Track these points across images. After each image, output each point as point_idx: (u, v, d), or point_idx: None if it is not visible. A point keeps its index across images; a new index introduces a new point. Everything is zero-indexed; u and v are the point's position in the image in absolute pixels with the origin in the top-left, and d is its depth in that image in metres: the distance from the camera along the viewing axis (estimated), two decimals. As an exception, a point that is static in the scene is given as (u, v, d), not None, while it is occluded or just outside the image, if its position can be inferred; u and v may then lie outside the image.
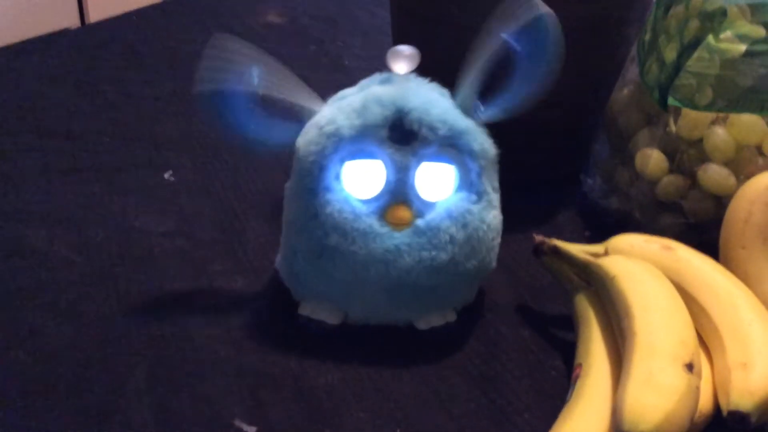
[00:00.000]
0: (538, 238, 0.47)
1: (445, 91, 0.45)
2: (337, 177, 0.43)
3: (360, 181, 0.43)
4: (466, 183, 0.44)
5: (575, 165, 0.62)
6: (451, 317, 0.46)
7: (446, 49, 0.59)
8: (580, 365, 0.41)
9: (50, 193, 0.61)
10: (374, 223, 0.43)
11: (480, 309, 0.49)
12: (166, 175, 0.64)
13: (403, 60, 0.44)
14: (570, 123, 0.61)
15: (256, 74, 0.43)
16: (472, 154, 0.43)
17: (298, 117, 0.45)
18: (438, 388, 0.43)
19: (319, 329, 0.45)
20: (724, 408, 0.37)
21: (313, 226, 0.43)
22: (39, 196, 0.60)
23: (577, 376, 0.40)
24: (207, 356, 0.45)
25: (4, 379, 0.43)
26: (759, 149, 0.50)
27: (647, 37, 0.53)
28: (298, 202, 0.44)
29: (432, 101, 0.43)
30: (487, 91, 0.45)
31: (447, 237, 0.43)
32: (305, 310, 0.46)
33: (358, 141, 0.43)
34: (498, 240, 0.46)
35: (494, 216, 0.45)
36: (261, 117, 0.45)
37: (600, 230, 0.55)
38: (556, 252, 0.46)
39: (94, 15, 1.93)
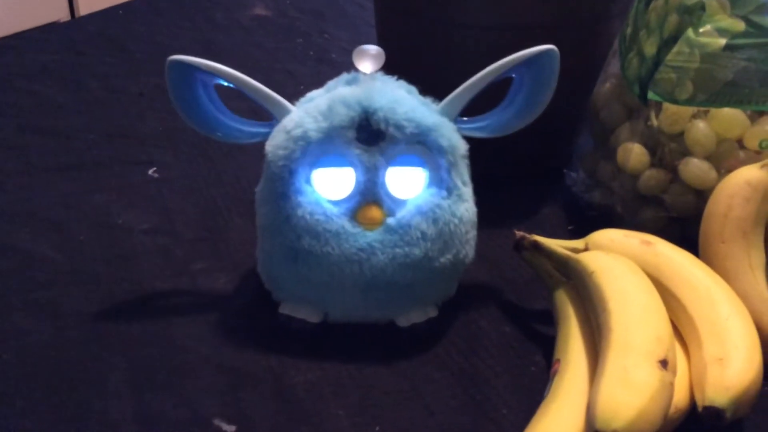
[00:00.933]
0: (519, 233, 0.47)
1: (413, 89, 0.45)
2: (308, 180, 0.43)
3: (330, 183, 0.43)
4: (436, 179, 0.44)
5: (558, 159, 0.62)
6: (433, 313, 0.47)
7: (428, 44, 0.59)
8: (559, 361, 0.41)
9: (32, 191, 0.60)
10: (346, 224, 0.43)
11: (462, 304, 0.49)
12: (150, 172, 0.64)
13: (368, 59, 0.44)
14: (553, 117, 0.61)
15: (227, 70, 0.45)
16: (440, 150, 0.43)
17: (267, 113, 0.45)
18: (418, 385, 0.43)
19: (300, 328, 0.45)
20: (700, 403, 0.37)
21: (286, 229, 0.43)
22: (21, 194, 0.60)
23: (556, 372, 0.40)
24: (187, 355, 0.45)
25: (-15, 380, 0.43)
26: (740, 143, 0.50)
27: (628, 31, 0.53)
28: (270, 206, 0.44)
29: (398, 100, 0.43)
30: (470, 107, 0.46)
31: (418, 233, 0.43)
32: (285, 309, 0.46)
33: (325, 143, 0.43)
34: (473, 233, 0.46)
35: (466, 209, 0.45)
36: (223, 108, 0.47)
37: (583, 224, 0.55)
38: (537, 247, 0.46)
39: (84, 7, 1.92)
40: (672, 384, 0.35)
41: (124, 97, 0.77)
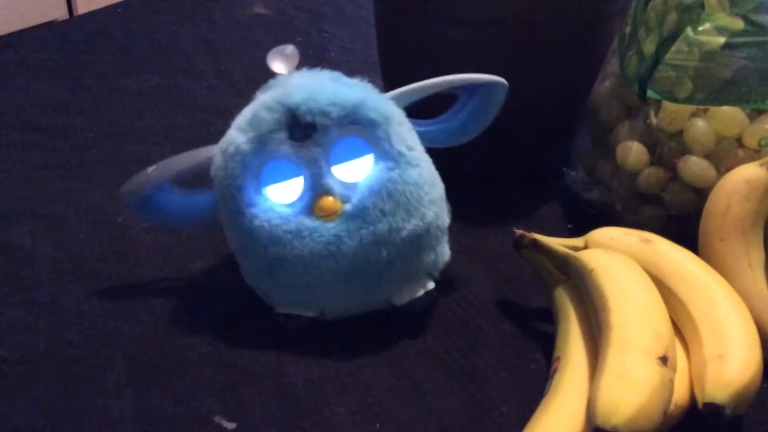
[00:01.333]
0: (518, 232, 0.47)
1: (337, 74, 0.45)
2: (257, 191, 0.44)
3: (278, 188, 0.44)
4: (381, 152, 0.44)
5: (557, 158, 0.62)
6: (430, 286, 0.46)
7: (427, 41, 0.59)
8: (559, 358, 0.41)
9: (32, 189, 0.60)
10: (305, 221, 0.43)
11: (461, 302, 0.49)
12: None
13: (281, 60, 0.44)
14: (553, 116, 0.61)
15: (153, 169, 0.47)
16: (373, 123, 0.43)
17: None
18: (417, 382, 0.43)
19: (298, 324, 0.45)
20: (700, 400, 0.37)
21: (252, 244, 0.44)
22: (20, 192, 0.60)
23: (556, 370, 0.40)
24: (188, 352, 0.45)
25: (-16, 377, 0.43)
26: (739, 141, 0.50)
27: (627, 29, 0.53)
28: (231, 227, 0.45)
29: (317, 89, 0.43)
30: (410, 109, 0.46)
31: (377, 212, 0.43)
32: (281, 307, 0.46)
33: (260, 152, 0.43)
34: (436, 193, 0.45)
35: (419, 173, 0.44)
36: (185, 198, 0.48)
37: (582, 222, 0.55)
38: (536, 246, 0.46)
39: (82, 6, 1.92)
40: (672, 381, 0.35)
41: (123, 96, 0.77)
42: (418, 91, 0.46)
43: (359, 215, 0.43)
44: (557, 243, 0.46)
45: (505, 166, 0.61)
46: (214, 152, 0.45)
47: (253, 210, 0.43)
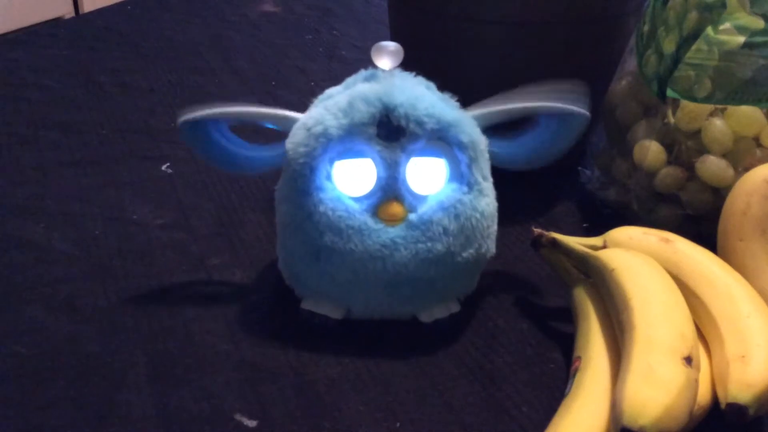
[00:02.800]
0: (537, 231, 0.47)
1: (432, 85, 0.46)
2: (328, 176, 0.43)
3: (351, 179, 0.43)
4: (457, 175, 0.44)
5: (572, 156, 0.62)
6: (455, 308, 0.47)
7: (443, 40, 0.59)
8: (579, 358, 0.41)
9: (47, 187, 0.60)
10: (368, 220, 0.43)
11: (479, 301, 0.49)
12: (164, 167, 0.64)
13: (387, 56, 0.44)
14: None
15: (229, 106, 0.46)
16: (460, 146, 0.43)
17: (280, 133, 0.46)
18: (437, 382, 0.43)
19: (322, 324, 0.45)
20: (723, 400, 0.37)
21: (307, 227, 0.43)
22: (36, 190, 0.60)
23: (576, 369, 0.40)
24: (207, 350, 0.45)
25: (3, 374, 0.43)
26: (757, 141, 0.50)
27: (646, 28, 0.53)
28: (291, 203, 0.44)
29: (418, 96, 0.43)
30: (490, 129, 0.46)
31: (440, 229, 0.43)
32: (308, 304, 0.46)
33: (346, 140, 0.43)
34: (494, 227, 0.46)
35: (487, 203, 0.45)
36: (243, 143, 0.47)
37: (598, 222, 0.55)
38: (555, 245, 0.46)
39: (88, 3, 1.92)
40: (696, 381, 0.35)
41: (135, 93, 0.77)
42: (501, 115, 0.46)
43: (420, 228, 0.43)
44: (576, 242, 0.46)
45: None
46: (286, 115, 0.45)
47: (321, 195, 0.43)
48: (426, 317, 0.46)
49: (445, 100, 0.45)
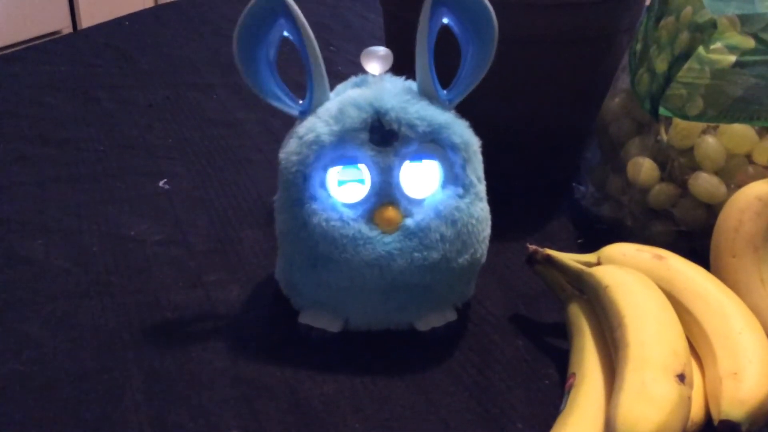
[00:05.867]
0: (532, 247, 0.47)
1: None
2: (322, 184, 0.43)
3: (345, 186, 0.44)
4: (451, 177, 0.44)
5: (566, 172, 0.63)
6: (452, 316, 0.47)
7: (436, 58, 0.60)
8: (574, 375, 0.41)
9: (45, 202, 0.61)
10: (363, 228, 0.43)
11: (474, 317, 0.49)
12: (161, 183, 0.64)
13: (376, 60, 0.44)
14: (562, 131, 0.62)
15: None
16: (454, 147, 0.44)
17: (304, 90, 0.44)
18: (434, 398, 0.43)
19: (320, 337, 0.46)
20: (716, 417, 0.37)
21: (303, 236, 0.43)
22: (33, 205, 0.60)
23: (571, 386, 0.40)
24: (203, 367, 0.45)
25: (1, 391, 0.43)
26: (749, 158, 0.50)
27: (638, 47, 0.54)
28: (287, 213, 0.44)
29: (409, 99, 0.43)
30: (444, 77, 0.45)
31: (437, 236, 0.43)
32: (306, 318, 0.46)
33: (338, 147, 0.43)
34: (487, 231, 0.46)
35: (482, 209, 0.45)
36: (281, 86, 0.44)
37: (592, 237, 0.56)
38: (550, 261, 0.47)
39: (86, 18, 1.93)
40: (689, 398, 0.36)
41: (133, 109, 0.77)
42: (422, 56, 0.43)
43: (418, 235, 0.43)
44: (570, 258, 0.47)
45: (514, 180, 0.62)
46: (326, 90, 0.44)
47: (315, 204, 0.43)
48: (423, 326, 0.46)
49: (435, 103, 0.45)
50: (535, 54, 0.57)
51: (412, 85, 0.45)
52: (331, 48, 0.94)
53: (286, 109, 0.45)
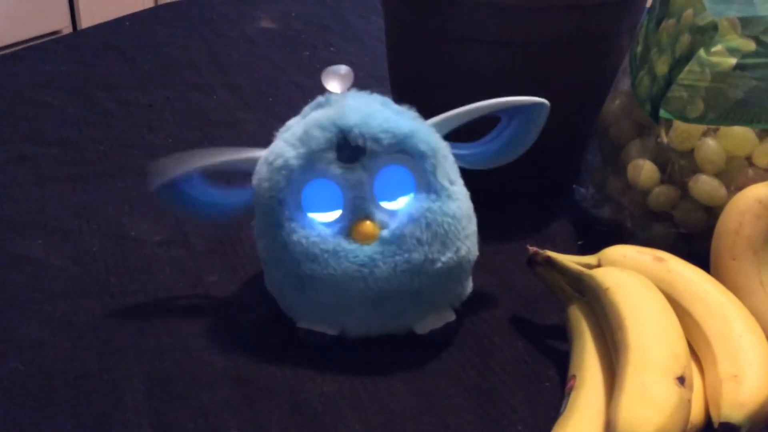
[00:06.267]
0: (532, 248, 0.47)
1: (387, 100, 0.46)
2: (298, 206, 0.44)
3: (319, 206, 0.44)
4: (423, 184, 0.44)
5: (566, 174, 0.63)
6: (450, 317, 0.47)
7: (438, 60, 0.60)
8: (574, 377, 0.41)
9: (44, 202, 0.61)
10: (342, 242, 0.43)
11: (474, 318, 0.49)
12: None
13: (336, 79, 0.45)
14: (562, 132, 0.61)
15: (195, 158, 0.46)
16: (421, 155, 0.44)
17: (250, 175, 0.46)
18: (434, 400, 0.43)
19: (319, 341, 0.46)
20: (716, 420, 0.37)
21: (286, 258, 0.44)
22: (33, 205, 0.60)
23: (571, 388, 0.40)
24: (203, 367, 0.45)
25: (1, 391, 0.43)
26: (749, 160, 0.50)
27: (639, 49, 0.54)
28: (267, 238, 0.45)
29: (371, 114, 0.43)
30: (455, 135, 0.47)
31: (414, 240, 0.43)
32: (303, 322, 0.46)
33: (308, 169, 0.43)
34: (471, 228, 0.46)
35: (458, 206, 0.45)
36: (217, 191, 0.48)
37: (593, 239, 0.56)
38: (550, 263, 0.47)
39: (86, 18, 1.93)
40: (689, 401, 0.36)
41: (133, 109, 0.77)
42: (460, 118, 0.46)
43: (395, 242, 0.43)
44: (571, 260, 0.47)
45: (514, 182, 0.62)
46: (251, 156, 0.45)
47: (293, 224, 0.43)
48: (421, 329, 0.46)
49: (400, 113, 0.45)
50: (535, 56, 0.57)
51: (377, 98, 0.46)
52: (332, 49, 0.94)
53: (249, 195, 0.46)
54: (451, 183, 0.45)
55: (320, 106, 0.45)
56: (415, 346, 0.47)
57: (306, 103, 0.82)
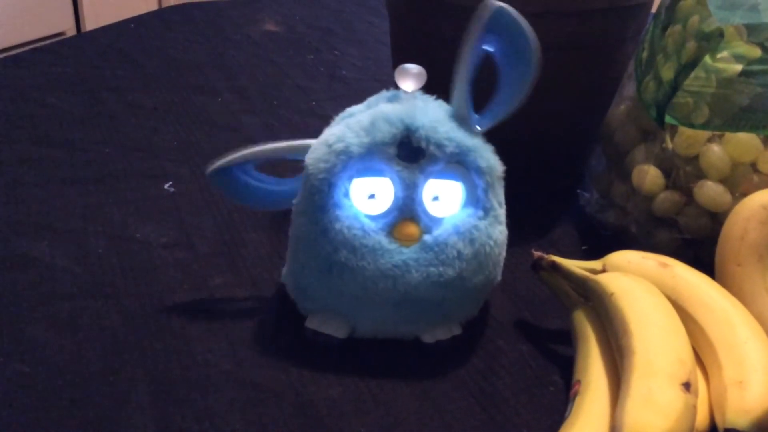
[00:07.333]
0: (537, 253, 0.48)
1: (450, 109, 0.46)
2: (346, 194, 0.44)
3: (369, 198, 0.44)
4: (473, 199, 0.44)
5: (571, 179, 0.63)
6: (457, 330, 0.47)
7: (443, 64, 0.60)
8: (579, 382, 0.41)
9: (50, 204, 0.61)
10: (383, 240, 0.43)
11: (479, 323, 0.49)
12: (166, 186, 0.64)
13: (410, 78, 0.45)
14: (567, 137, 0.62)
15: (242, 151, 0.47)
16: (478, 171, 0.44)
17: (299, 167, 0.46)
18: (438, 404, 0.43)
19: (326, 343, 0.46)
20: (720, 426, 0.37)
21: (322, 241, 0.44)
22: (39, 207, 0.60)
23: (576, 393, 0.40)
24: (209, 370, 0.45)
25: (5, 393, 0.43)
26: (754, 167, 0.50)
27: (644, 55, 0.54)
28: (308, 218, 0.44)
29: (439, 119, 0.44)
30: (479, 102, 0.46)
31: (455, 252, 0.43)
32: (312, 323, 0.47)
33: (366, 158, 0.43)
34: (503, 255, 0.47)
35: (500, 231, 0.46)
36: (270, 179, 0.49)
37: (597, 244, 0.56)
38: (555, 268, 0.47)
39: (90, 20, 1.93)
40: (695, 406, 0.36)
41: (138, 111, 0.77)
42: (462, 77, 0.44)
43: (434, 250, 0.43)
44: (575, 265, 0.47)
45: (519, 187, 0.62)
46: (305, 144, 0.46)
47: (338, 212, 0.43)
48: (428, 338, 0.46)
49: (463, 124, 0.45)
50: (541, 61, 0.57)
51: (443, 104, 0.46)
52: (336, 52, 0.94)
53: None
54: (500, 205, 0.46)
55: (389, 100, 0.46)
56: (419, 352, 0.47)
57: (309, 106, 0.82)
